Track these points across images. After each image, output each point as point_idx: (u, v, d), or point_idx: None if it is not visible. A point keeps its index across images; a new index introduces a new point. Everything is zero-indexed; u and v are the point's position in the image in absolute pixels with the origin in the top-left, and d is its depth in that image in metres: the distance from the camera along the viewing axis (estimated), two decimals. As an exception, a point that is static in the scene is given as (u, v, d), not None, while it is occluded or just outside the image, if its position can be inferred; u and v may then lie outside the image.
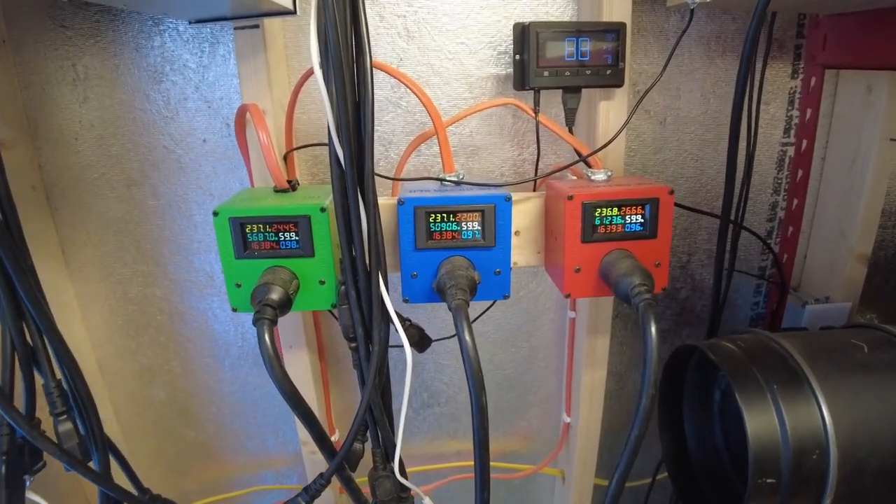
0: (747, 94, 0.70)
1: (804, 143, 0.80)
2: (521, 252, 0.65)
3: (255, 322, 0.50)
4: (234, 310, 0.58)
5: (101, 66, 0.72)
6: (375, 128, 0.74)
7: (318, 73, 0.45)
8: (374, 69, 0.49)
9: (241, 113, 0.61)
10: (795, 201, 0.83)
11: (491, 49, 0.72)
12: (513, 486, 0.98)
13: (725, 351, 0.61)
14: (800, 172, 0.82)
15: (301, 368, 0.74)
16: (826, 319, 0.83)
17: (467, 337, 0.48)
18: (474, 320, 0.78)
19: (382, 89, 0.73)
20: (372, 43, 0.71)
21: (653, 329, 0.48)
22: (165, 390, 0.90)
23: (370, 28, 0.70)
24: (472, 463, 0.91)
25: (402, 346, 0.53)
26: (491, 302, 0.75)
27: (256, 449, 0.94)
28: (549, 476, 0.93)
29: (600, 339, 0.75)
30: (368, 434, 0.60)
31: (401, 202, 0.54)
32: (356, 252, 0.51)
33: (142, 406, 0.90)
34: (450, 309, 0.50)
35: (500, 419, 0.93)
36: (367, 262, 0.52)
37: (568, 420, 0.85)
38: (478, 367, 0.48)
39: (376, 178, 0.66)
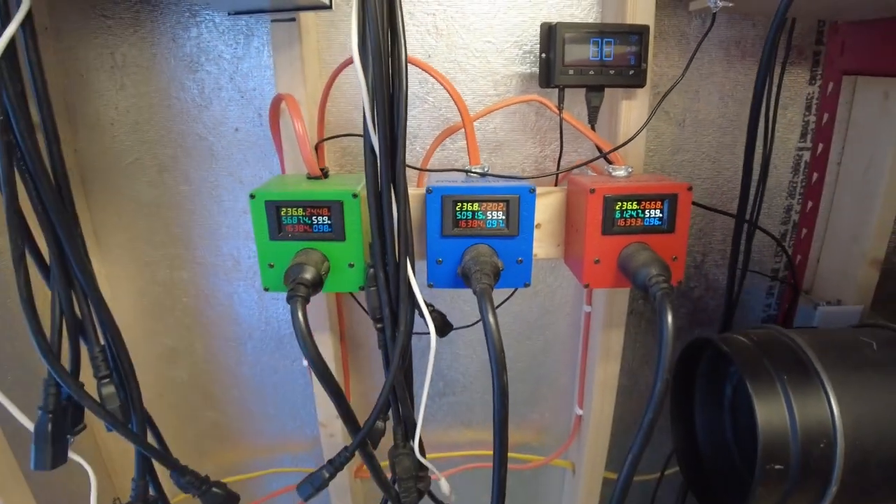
0: (765, 98, 0.72)
1: (820, 147, 0.82)
2: (542, 244, 0.67)
3: (288, 299, 0.52)
4: (266, 289, 0.61)
5: (138, 55, 0.75)
6: (402, 121, 0.77)
7: (358, 63, 0.48)
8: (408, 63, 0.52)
9: (276, 102, 0.64)
10: (810, 204, 0.84)
11: (517, 48, 0.74)
12: (523, 477, 1.00)
13: (738, 343, 0.63)
14: (815, 176, 0.83)
15: (325, 351, 0.76)
16: (837, 322, 0.85)
17: (491, 319, 0.50)
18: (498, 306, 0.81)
19: (411, 85, 0.75)
20: (402, 38, 0.74)
21: (668, 317, 0.50)
22: (188, 372, 0.92)
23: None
24: (485, 452, 0.94)
25: (424, 334, 0.55)
26: (510, 293, 0.77)
27: (274, 432, 0.96)
28: (559, 468, 0.95)
29: (615, 332, 0.77)
30: (391, 413, 0.62)
31: (429, 191, 0.57)
32: (386, 237, 0.53)
33: (164, 388, 0.93)
34: (475, 292, 0.52)
35: (512, 411, 0.94)
36: (396, 247, 0.55)
37: (580, 413, 0.87)
38: (500, 347, 0.50)
39: (411, 168, 0.70)
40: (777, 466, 0.55)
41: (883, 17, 0.69)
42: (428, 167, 0.69)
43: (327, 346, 0.76)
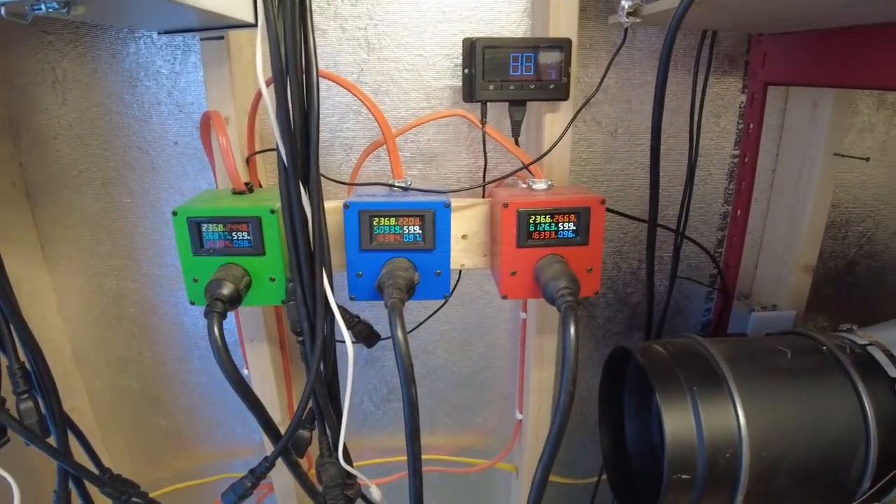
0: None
1: (747, 155, 0.84)
2: (469, 255, 0.68)
3: (205, 314, 0.54)
4: (192, 303, 0.62)
5: (79, 70, 0.76)
6: (338, 134, 0.78)
7: (263, 89, 0.49)
8: (321, 79, 0.53)
9: (205, 119, 0.65)
10: (739, 211, 0.86)
11: (448, 61, 0.75)
12: (470, 480, 1.02)
13: (654, 354, 0.65)
14: (743, 184, 0.85)
15: (261, 361, 0.77)
16: (771, 327, 0.87)
17: (399, 333, 0.51)
18: (426, 319, 0.83)
19: (345, 97, 0.76)
20: (334, 54, 0.75)
21: (572, 330, 0.52)
22: (138, 380, 0.93)
23: (333, 40, 0.74)
24: (431, 456, 0.95)
25: (353, 342, 0.57)
26: (441, 303, 0.78)
27: (225, 438, 0.97)
28: (504, 471, 0.96)
29: (547, 338, 0.78)
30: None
31: (346, 206, 0.58)
32: (301, 251, 0.55)
33: (116, 396, 0.93)
34: (385, 306, 0.53)
35: (456, 415, 0.97)
36: (315, 260, 0.56)
37: (520, 417, 0.88)
38: (408, 361, 0.52)
39: (334, 182, 0.71)
40: (684, 476, 0.57)
41: (799, 30, 0.71)
42: (361, 179, 0.70)
43: (264, 356, 0.77)
